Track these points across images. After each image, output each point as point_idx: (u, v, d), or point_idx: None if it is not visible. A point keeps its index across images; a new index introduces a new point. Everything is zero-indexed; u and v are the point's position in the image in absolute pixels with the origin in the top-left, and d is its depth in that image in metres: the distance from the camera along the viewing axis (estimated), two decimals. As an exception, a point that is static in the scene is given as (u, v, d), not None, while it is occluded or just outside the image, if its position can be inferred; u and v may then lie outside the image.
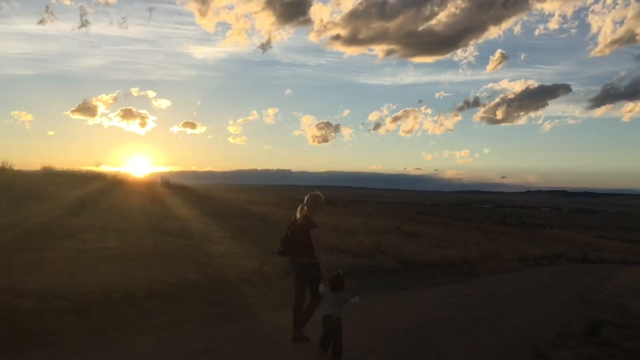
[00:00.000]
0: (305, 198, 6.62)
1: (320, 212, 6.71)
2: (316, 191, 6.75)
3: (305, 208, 6.56)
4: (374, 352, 6.56)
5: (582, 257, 34.99)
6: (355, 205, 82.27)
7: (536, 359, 6.73)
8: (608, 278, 20.89)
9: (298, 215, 6.55)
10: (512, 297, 12.48)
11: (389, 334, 7.48)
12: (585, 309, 11.85)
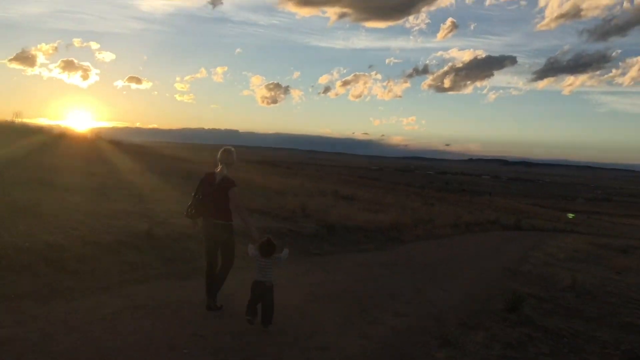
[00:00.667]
0: (219, 153, 6.12)
1: (234, 167, 6.20)
2: (228, 146, 6.25)
3: (220, 165, 6.04)
4: (247, 334, 5.33)
5: (515, 224, 35.13)
6: (301, 167, 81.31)
7: (441, 345, 5.65)
8: (537, 246, 20.55)
9: (217, 172, 6.00)
10: (434, 267, 11.55)
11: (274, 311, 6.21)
12: (509, 280, 11.06)
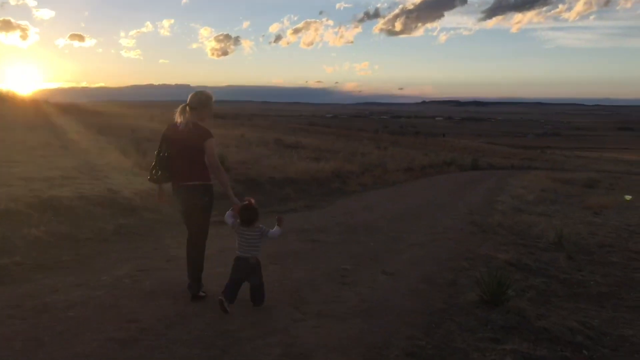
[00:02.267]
0: (189, 97, 4.70)
1: (208, 117, 4.80)
2: (204, 90, 4.86)
3: (187, 109, 4.62)
4: None
5: (472, 164, 32.94)
6: (255, 119, 77.02)
7: None
8: (500, 187, 18.05)
9: (178, 119, 4.59)
10: (378, 229, 8.67)
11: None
12: (477, 240, 8.29)
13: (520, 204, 13.74)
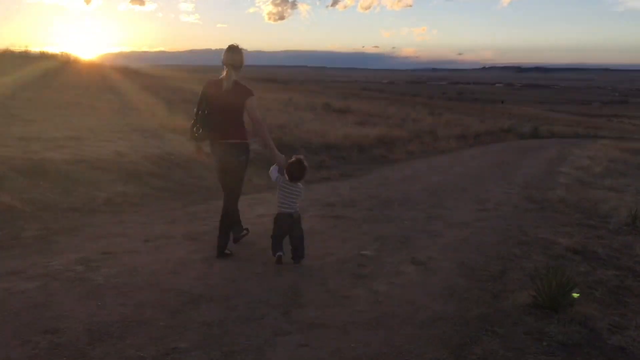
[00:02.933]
0: (225, 54, 4.58)
1: (242, 71, 4.66)
2: (234, 44, 4.68)
3: (225, 69, 4.56)
4: None
5: (532, 131, 30.86)
6: (308, 84, 75.77)
7: None
8: (564, 158, 16.37)
9: (224, 78, 4.54)
10: (415, 204, 7.50)
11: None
12: (534, 220, 7.03)
13: (585, 176, 12.21)
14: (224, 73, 4.58)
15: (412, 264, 4.64)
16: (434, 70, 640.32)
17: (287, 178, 4.51)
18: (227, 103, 4.53)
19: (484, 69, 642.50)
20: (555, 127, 39.44)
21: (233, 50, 4.62)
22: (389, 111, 32.26)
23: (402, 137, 17.42)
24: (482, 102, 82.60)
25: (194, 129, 4.62)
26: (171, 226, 5.30)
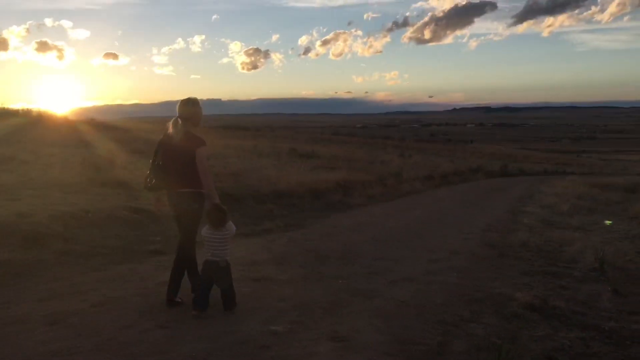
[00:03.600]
0: (179, 108, 4.74)
1: (200, 124, 4.88)
2: (190, 97, 4.83)
3: (179, 121, 4.67)
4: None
5: (501, 169, 30.59)
6: (280, 130, 75.13)
7: None
8: (530, 195, 15.83)
9: (171, 130, 4.66)
10: (357, 258, 6.66)
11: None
12: (492, 272, 6.25)
13: (551, 215, 11.58)
14: (170, 125, 4.66)
15: (330, 340, 3.76)
16: (407, 113, 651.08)
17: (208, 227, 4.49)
18: (179, 154, 4.59)
19: (454, 110, 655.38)
20: (525, 165, 39.43)
21: (187, 102, 4.74)
22: (357, 154, 31.77)
23: (364, 181, 16.72)
24: (455, 142, 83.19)
25: (147, 179, 4.74)
26: (38, 305, 4.35)
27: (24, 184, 8.71)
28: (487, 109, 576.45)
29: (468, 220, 10.39)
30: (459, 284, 5.55)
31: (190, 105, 4.74)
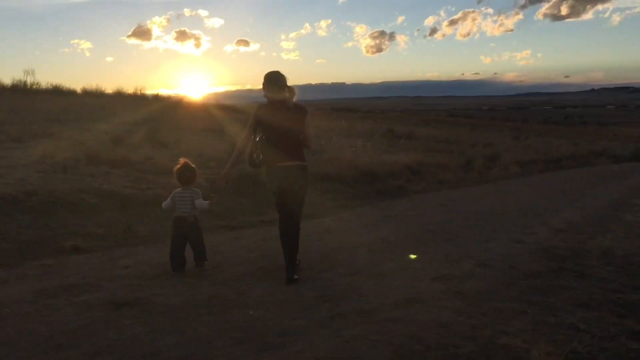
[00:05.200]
0: (278, 79, 4.57)
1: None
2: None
3: (279, 92, 4.55)
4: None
5: (632, 154, 26.34)
6: (397, 113, 72.62)
7: None
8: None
9: (283, 98, 4.52)
10: (332, 274, 4.83)
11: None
12: (530, 299, 4.10)
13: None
14: (280, 94, 4.52)
15: None
16: (539, 94, 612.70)
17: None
18: (290, 126, 4.50)
19: (592, 90, 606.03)
20: (665, 149, 33.96)
21: (276, 74, 4.59)
22: (462, 137, 28.95)
23: (445, 164, 14.46)
24: (589, 126, 75.39)
25: (254, 155, 4.52)
26: None
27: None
28: (630, 89, 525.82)
29: (545, 215, 7.97)
30: (453, 325, 3.52)
31: (284, 77, 4.59)
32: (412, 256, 5.29)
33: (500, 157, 17.88)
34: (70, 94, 21.19)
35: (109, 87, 25.83)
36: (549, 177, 14.60)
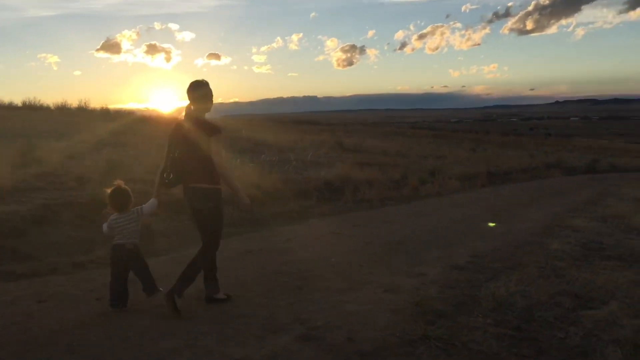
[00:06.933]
0: (187, 91, 4.25)
1: (211, 107, 4.34)
2: (198, 79, 4.31)
3: (191, 106, 4.26)
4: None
5: (588, 165, 25.42)
6: (362, 126, 71.08)
7: None
8: (594, 201, 11.37)
9: (184, 114, 4.28)
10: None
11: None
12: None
13: (609, 233, 7.41)
14: (184, 111, 4.28)
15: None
16: (506, 106, 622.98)
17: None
18: (190, 142, 4.13)
19: (557, 103, 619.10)
20: (623, 159, 33.30)
21: (195, 85, 4.19)
22: (414, 149, 27.73)
23: (374, 179, 13.03)
24: (555, 137, 75.29)
25: (164, 174, 4.19)
26: None
27: None
28: (594, 102, 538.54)
29: (451, 246, 6.49)
30: None
31: (199, 87, 4.20)
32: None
33: (442, 171, 16.58)
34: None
35: (74, 102, 24.46)
36: (486, 194, 13.25)
